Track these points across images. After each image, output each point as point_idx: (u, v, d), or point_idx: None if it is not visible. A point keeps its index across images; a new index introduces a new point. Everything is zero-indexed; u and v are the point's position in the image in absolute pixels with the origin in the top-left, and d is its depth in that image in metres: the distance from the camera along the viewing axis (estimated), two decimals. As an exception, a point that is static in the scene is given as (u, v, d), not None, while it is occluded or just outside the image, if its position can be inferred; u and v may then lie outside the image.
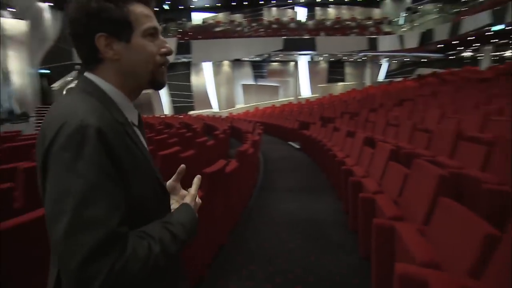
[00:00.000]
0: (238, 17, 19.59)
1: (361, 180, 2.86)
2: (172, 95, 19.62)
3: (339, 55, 17.79)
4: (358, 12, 19.62)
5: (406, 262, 1.33)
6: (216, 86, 18.65)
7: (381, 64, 20.09)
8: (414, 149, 3.53)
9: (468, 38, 12.82)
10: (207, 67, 18.66)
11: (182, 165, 0.79)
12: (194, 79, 19.44)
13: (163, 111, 18.79)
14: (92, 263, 0.47)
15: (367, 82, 18.63)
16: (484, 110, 4.38)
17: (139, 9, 0.64)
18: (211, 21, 19.06)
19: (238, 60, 18.25)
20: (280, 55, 17.15)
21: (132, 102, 0.69)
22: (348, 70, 20.55)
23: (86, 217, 0.48)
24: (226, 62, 18.09)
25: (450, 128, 3.56)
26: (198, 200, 0.75)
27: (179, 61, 17.64)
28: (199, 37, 16.24)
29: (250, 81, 20.19)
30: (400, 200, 2.30)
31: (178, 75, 19.39)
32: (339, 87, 19.93)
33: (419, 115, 5.67)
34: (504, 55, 17.69)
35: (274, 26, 17.09)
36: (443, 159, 2.90)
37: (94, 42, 0.61)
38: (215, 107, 19.08)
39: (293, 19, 18.50)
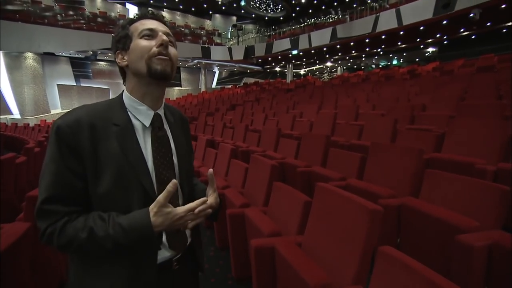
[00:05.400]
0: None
1: (211, 178, 3.10)
2: None
3: (175, 60, 17.99)
4: (191, 21, 20.55)
5: (257, 237, 1.63)
6: (14, 84, 13.56)
7: (214, 72, 21.96)
8: (248, 146, 4.18)
9: (278, 57, 16.30)
10: (-6, 57, 13.28)
11: (210, 170, 0.82)
12: (-27, 73, 14.03)
13: None
14: (37, 219, 0.69)
15: (202, 87, 19.88)
16: (292, 113, 5.76)
17: (140, 22, 0.80)
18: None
19: (50, 54, 14.66)
20: (109, 54, 15.35)
21: (151, 104, 0.80)
22: (184, 75, 21.15)
23: (39, 189, 0.70)
24: (30, 55, 13.54)
25: (272, 128, 4.46)
26: (197, 209, 0.73)
27: None
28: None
29: (70, 81, 16.73)
30: (244, 190, 2.70)
31: None
32: (175, 92, 20.19)
33: (248, 118, 6.70)
34: (300, 72, 23.64)
35: (100, 20, 15.06)
36: (270, 152, 3.62)
37: (116, 59, 0.81)
38: (15, 113, 14.24)
39: (124, 16, 17.01)
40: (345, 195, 1.43)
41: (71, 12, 14.31)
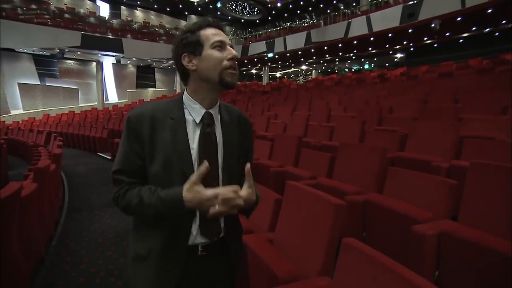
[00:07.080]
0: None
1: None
2: None
3: (148, 60, 17.54)
4: (166, 21, 20.10)
5: (229, 235, 1.66)
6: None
7: (189, 73, 21.65)
8: (224, 147, 4.20)
9: (254, 59, 16.43)
10: None
11: (248, 165, 0.84)
12: None
13: None
14: (113, 185, 0.88)
15: (177, 89, 19.53)
16: (267, 115, 5.85)
17: (208, 31, 0.88)
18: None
19: (9, 50, 13.51)
20: (78, 52, 14.65)
21: (206, 105, 0.89)
22: (158, 76, 20.65)
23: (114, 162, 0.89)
24: (-16, 50, 12.27)
25: (247, 129, 4.51)
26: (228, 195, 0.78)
27: None
28: None
29: (33, 80, 15.60)
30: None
31: None
32: (149, 93, 19.65)
33: (224, 119, 6.71)
34: (276, 74, 23.96)
35: (67, 16, 14.34)
36: (245, 153, 3.67)
37: (182, 61, 0.88)
38: (-32, 113, 13.06)
39: (94, 13, 16.30)
40: (312, 192, 1.51)
41: (34, 6, 13.45)
